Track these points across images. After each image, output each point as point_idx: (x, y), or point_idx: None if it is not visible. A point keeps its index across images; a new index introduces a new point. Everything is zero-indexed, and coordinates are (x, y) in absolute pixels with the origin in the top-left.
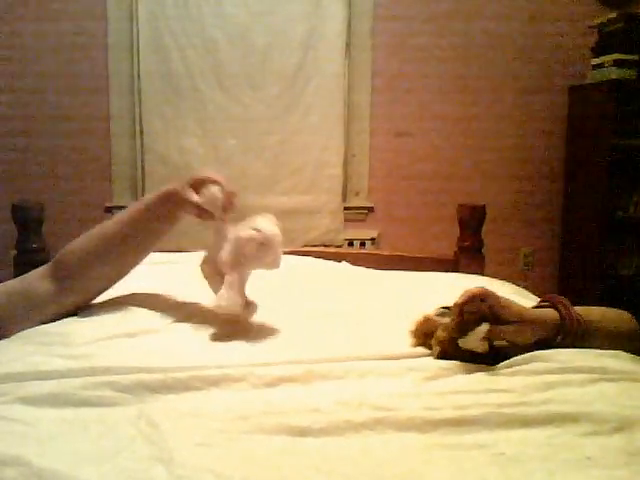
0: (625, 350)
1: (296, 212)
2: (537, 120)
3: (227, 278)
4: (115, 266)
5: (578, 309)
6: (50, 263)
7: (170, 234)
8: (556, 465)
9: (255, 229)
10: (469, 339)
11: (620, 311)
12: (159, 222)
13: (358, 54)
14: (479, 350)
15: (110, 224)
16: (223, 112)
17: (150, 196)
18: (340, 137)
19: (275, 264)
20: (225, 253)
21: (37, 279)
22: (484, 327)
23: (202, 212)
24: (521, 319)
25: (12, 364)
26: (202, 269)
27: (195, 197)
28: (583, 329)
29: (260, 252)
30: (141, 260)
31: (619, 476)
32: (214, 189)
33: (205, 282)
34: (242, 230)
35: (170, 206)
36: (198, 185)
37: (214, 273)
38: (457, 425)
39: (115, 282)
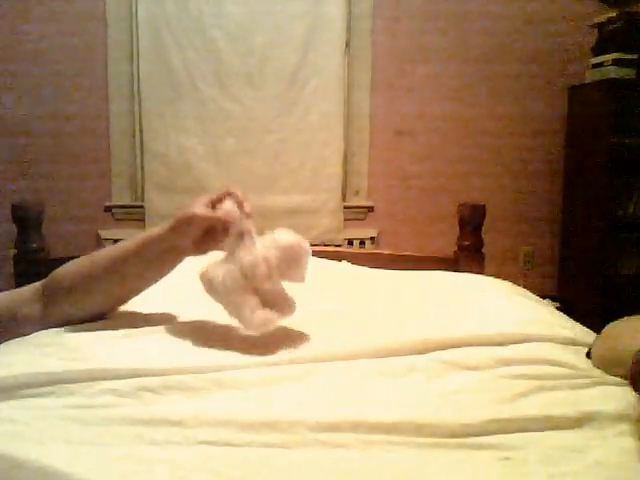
0: None
1: (296, 211)
2: (537, 119)
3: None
4: (101, 297)
5: None
6: (40, 284)
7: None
8: (559, 468)
9: (280, 241)
10: None
11: None
12: (159, 259)
13: (358, 53)
14: None
15: (102, 253)
16: (223, 112)
17: (156, 228)
18: (340, 136)
19: (302, 277)
20: (260, 266)
21: (25, 300)
22: None
23: (216, 226)
24: None
25: (10, 366)
26: (205, 282)
27: (207, 210)
28: None
29: (292, 264)
30: (130, 296)
31: (623, 477)
32: (227, 202)
33: (205, 296)
34: (268, 243)
35: (178, 234)
36: (214, 204)
37: (230, 290)
38: (459, 427)
39: (102, 312)
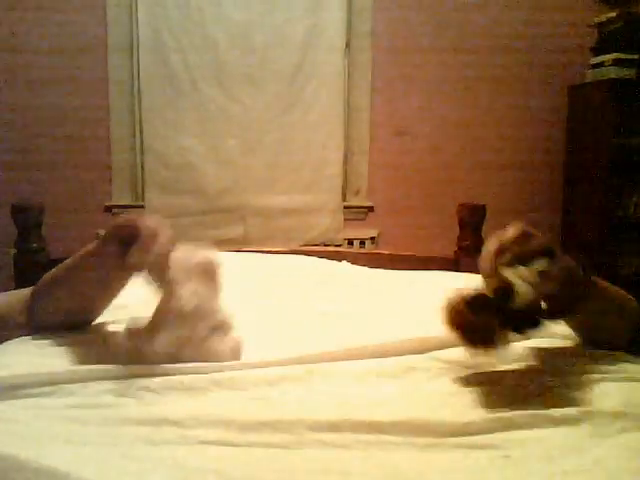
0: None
1: (296, 211)
2: (537, 119)
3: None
4: (59, 315)
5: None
6: (29, 291)
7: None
8: (559, 467)
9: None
10: (514, 271)
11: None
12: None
13: (358, 53)
14: (516, 287)
15: (60, 268)
16: (223, 112)
17: (89, 248)
18: (340, 136)
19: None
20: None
21: (15, 308)
22: (540, 263)
23: (130, 269)
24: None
25: (10, 366)
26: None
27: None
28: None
29: (211, 285)
30: (94, 312)
31: (623, 476)
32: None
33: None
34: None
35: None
36: (127, 236)
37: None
38: (459, 427)
39: (75, 322)
